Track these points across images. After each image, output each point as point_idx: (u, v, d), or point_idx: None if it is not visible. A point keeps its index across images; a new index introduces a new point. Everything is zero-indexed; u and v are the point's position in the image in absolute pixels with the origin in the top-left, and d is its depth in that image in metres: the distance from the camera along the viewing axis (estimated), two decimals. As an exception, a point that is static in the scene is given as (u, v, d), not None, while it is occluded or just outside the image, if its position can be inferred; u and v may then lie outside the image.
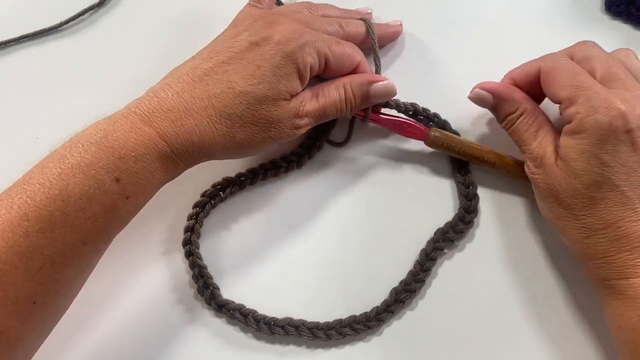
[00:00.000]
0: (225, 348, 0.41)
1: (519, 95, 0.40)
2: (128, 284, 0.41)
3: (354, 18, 0.45)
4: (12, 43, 0.47)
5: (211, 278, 0.41)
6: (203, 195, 0.43)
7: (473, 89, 0.41)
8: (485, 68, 0.46)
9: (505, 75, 0.42)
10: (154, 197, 0.37)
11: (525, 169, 0.39)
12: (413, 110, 0.44)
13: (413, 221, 0.43)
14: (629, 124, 0.34)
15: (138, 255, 0.42)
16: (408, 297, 0.41)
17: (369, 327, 0.40)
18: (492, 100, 0.40)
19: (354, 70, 0.41)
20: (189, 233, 0.42)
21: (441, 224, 0.42)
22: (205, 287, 0.41)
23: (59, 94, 0.46)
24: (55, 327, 0.36)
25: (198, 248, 0.42)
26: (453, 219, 0.43)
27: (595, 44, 0.40)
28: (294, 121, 0.39)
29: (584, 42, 0.40)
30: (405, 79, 0.45)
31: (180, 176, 0.38)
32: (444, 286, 0.42)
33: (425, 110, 0.44)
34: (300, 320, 0.40)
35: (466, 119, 0.45)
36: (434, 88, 0.46)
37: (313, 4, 0.44)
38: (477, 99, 0.41)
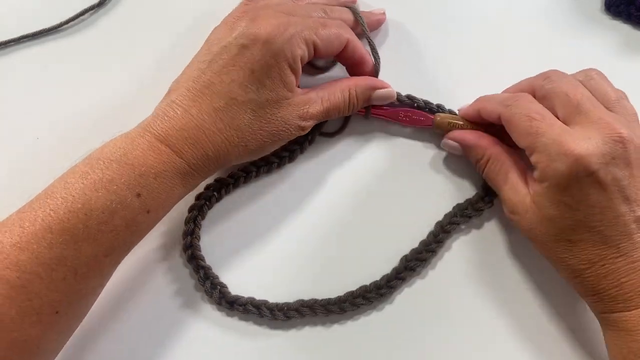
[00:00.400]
0: (243, 343, 0.41)
1: (484, 141, 0.41)
2: (131, 294, 0.41)
3: (339, 4, 0.45)
4: (12, 43, 0.47)
5: (217, 278, 0.41)
6: (198, 198, 0.43)
7: (443, 139, 0.43)
8: (485, 67, 0.46)
9: (476, 101, 0.42)
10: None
11: (505, 213, 0.40)
12: (415, 104, 0.44)
13: (426, 201, 0.43)
14: (589, 167, 0.34)
15: (138, 263, 0.42)
16: (418, 265, 0.41)
17: (381, 295, 0.40)
18: (460, 148, 0.42)
19: (346, 48, 0.41)
20: (189, 237, 0.42)
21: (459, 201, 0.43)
22: (212, 288, 0.41)
23: (59, 94, 0.46)
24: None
25: (200, 251, 0.42)
26: (474, 196, 0.43)
27: (556, 74, 0.39)
28: (300, 123, 0.40)
29: (544, 74, 0.39)
30: (406, 77, 0.46)
31: None
32: (456, 260, 0.42)
33: (427, 102, 0.44)
34: (312, 299, 0.41)
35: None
36: (434, 87, 0.46)
37: None
38: (447, 147, 0.43)
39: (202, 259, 0.41)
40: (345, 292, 0.41)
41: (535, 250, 0.39)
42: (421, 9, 0.49)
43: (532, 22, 0.48)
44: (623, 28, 0.48)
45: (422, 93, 0.45)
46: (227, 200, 0.44)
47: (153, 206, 0.36)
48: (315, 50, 0.40)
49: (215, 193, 0.43)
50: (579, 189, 0.34)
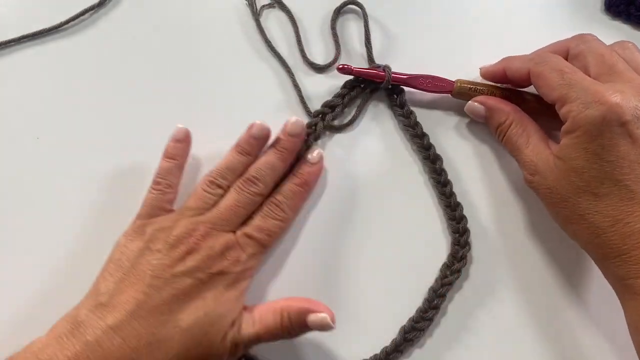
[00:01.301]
0: None
1: (507, 106, 0.41)
2: None
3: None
4: (13, 43, 0.47)
5: None
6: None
7: (467, 103, 0.43)
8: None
9: (500, 60, 0.43)
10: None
11: (524, 178, 0.40)
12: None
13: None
14: (623, 117, 0.34)
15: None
16: (417, 336, 0.40)
17: None
18: (483, 111, 0.42)
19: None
20: None
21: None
22: None
23: (59, 94, 0.46)
24: None
25: None
26: (452, 250, 0.42)
27: (593, 37, 0.39)
28: (234, 353, 0.37)
29: (580, 36, 0.39)
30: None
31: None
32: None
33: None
34: None
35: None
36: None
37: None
38: (471, 110, 0.43)
39: None
40: None
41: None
42: (421, 8, 0.49)
43: (532, 22, 0.48)
44: (623, 28, 0.48)
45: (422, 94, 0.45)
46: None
47: None
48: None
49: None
50: (610, 138, 0.34)
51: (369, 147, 0.45)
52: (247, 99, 0.46)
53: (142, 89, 0.46)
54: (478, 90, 0.43)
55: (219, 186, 0.39)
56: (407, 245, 0.43)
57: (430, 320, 0.40)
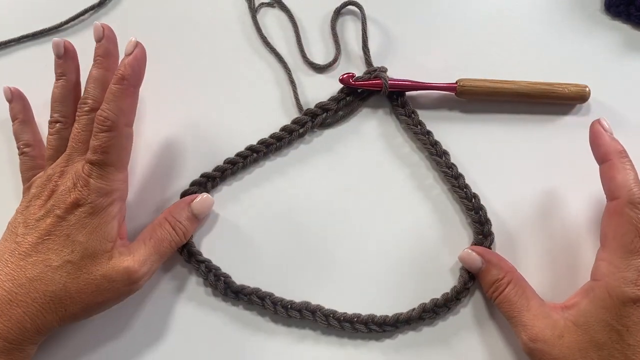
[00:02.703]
0: (242, 331, 0.41)
1: (507, 264, 0.40)
2: (132, 301, 0.41)
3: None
4: (13, 43, 0.47)
5: (219, 269, 0.41)
6: (184, 194, 0.43)
7: (465, 250, 0.41)
8: (485, 67, 0.46)
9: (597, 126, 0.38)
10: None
11: (519, 340, 0.37)
12: None
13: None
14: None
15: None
16: (430, 317, 0.40)
17: (384, 331, 0.40)
18: (480, 262, 0.40)
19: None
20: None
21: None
22: (217, 279, 0.41)
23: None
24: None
25: (194, 247, 0.42)
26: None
27: None
28: (128, 276, 0.37)
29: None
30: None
31: (155, 178, 0.42)
32: (469, 313, 0.41)
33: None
34: (317, 305, 0.40)
35: (468, 120, 0.45)
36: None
37: None
38: (466, 260, 0.40)
39: (200, 254, 0.41)
40: (352, 312, 0.41)
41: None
42: (421, 9, 0.49)
43: (532, 22, 0.48)
44: (623, 28, 0.48)
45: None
46: (217, 196, 0.43)
47: None
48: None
49: (201, 188, 0.43)
50: (631, 319, 0.33)
51: (371, 148, 0.45)
52: (245, 96, 0.46)
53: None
54: (482, 92, 0.43)
55: (57, 121, 0.40)
56: (428, 240, 0.43)
57: (449, 308, 0.41)
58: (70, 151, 0.38)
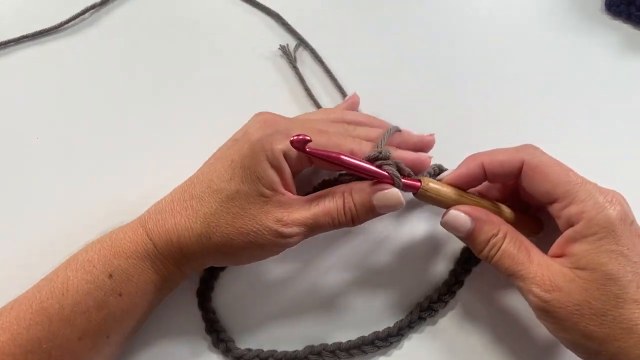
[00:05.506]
0: None
1: (496, 217, 0.36)
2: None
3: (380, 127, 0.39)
4: (13, 43, 0.47)
5: (224, 331, 0.40)
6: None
7: (447, 211, 0.36)
8: (485, 68, 0.46)
9: (470, 158, 0.37)
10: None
11: (530, 297, 0.33)
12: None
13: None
14: (630, 216, 0.33)
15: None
16: (430, 315, 0.40)
17: (391, 343, 0.39)
18: (470, 223, 0.35)
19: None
20: (202, 285, 0.40)
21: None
22: (219, 341, 0.39)
23: (59, 94, 0.46)
24: None
25: (210, 301, 0.40)
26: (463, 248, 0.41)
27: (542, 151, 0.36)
28: (279, 228, 0.34)
29: (532, 146, 0.36)
30: (404, 82, 0.46)
31: None
32: (467, 305, 0.41)
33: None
34: (321, 345, 0.39)
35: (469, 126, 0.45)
36: (434, 86, 0.46)
37: (344, 113, 0.41)
38: (453, 222, 0.35)
39: (212, 311, 0.40)
40: (357, 337, 0.39)
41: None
42: (421, 10, 0.49)
43: (532, 22, 0.48)
44: (623, 28, 0.48)
45: (423, 88, 0.44)
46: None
47: (125, 289, 0.35)
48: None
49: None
50: (629, 237, 0.32)
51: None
52: (251, 98, 0.46)
53: (143, 88, 0.46)
54: (446, 197, 0.36)
55: None
56: (417, 247, 0.42)
57: (445, 302, 0.40)
58: None
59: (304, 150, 0.33)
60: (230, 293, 0.41)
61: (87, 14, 0.48)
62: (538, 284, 0.33)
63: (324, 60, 0.46)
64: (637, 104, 0.46)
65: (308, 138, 0.33)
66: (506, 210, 0.37)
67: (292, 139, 0.33)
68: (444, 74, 0.46)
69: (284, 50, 0.45)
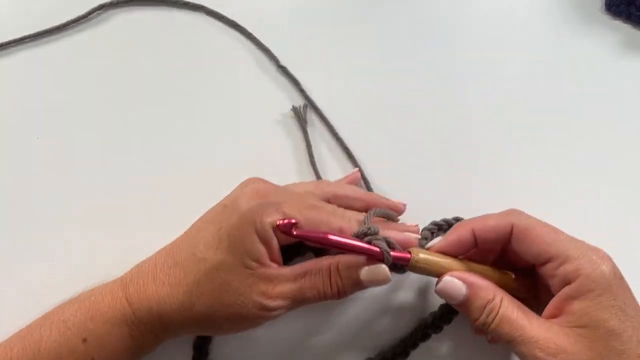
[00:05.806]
0: None
1: (491, 282, 0.35)
2: None
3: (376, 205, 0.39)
4: (14, 43, 0.47)
5: None
6: None
7: (440, 278, 0.35)
8: (485, 68, 0.46)
9: (460, 225, 0.37)
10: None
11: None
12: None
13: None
14: (619, 272, 0.33)
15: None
16: (435, 332, 0.39)
17: None
18: (465, 289, 0.34)
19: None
20: (197, 352, 0.40)
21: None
22: None
23: (59, 94, 0.46)
24: None
25: (208, 354, 0.40)
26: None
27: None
28: (263, 301, 0.33)
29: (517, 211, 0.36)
30: (403, 82, 0.46)
31: None
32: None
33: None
34: None
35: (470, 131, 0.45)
36: (434, 86, 0.46)
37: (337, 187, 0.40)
38: (449, 289, 0.34)
39: None
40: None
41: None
42: (421, 11, 0.49)
43: (532, 22, 0.48)
44: (623, 28, 0.48)
45: (422, 87, 0.44)
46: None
47: (98, 354, 0.34)
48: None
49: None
50: (623, 292, 0.32)
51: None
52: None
53: (144, 88, 0.46)
54: (438, 265, 0.35)
55: None
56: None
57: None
58: None
59: (290, 234, 0.33)
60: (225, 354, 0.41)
61: (88, 16, 0.48)
62: (541, 348, 0.32)
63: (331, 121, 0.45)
64: (637, 104, 0.46)
65: (294, 222, 0.33)
66: (499, 274, 0.36)
67: (278, 223, 0.33)
68: (444, 74, 0.46)
69: (295, 111, 0.45)
